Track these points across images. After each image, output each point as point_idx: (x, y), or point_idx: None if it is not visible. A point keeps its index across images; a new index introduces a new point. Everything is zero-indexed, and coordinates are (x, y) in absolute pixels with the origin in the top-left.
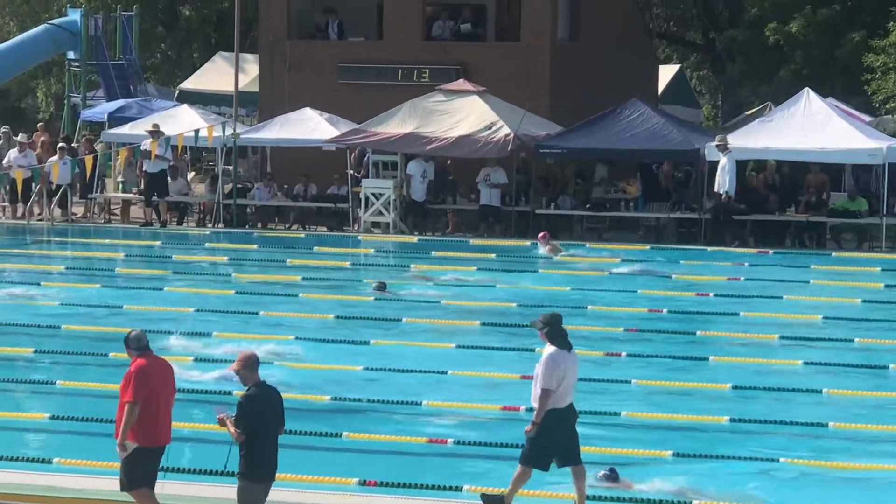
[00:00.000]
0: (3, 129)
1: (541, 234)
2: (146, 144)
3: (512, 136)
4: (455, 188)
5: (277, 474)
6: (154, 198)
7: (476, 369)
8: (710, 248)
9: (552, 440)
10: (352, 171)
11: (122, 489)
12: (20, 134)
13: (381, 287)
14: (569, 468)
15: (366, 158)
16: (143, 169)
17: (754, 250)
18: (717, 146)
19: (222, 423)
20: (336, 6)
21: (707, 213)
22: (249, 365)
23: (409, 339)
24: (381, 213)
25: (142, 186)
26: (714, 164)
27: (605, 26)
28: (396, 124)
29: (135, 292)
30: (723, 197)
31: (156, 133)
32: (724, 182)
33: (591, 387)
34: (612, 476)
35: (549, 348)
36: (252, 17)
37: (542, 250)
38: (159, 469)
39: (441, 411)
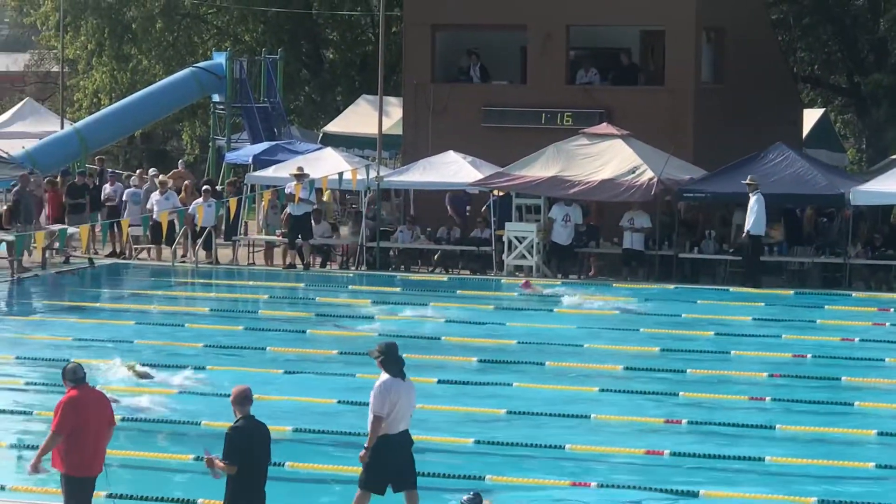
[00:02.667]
0: (150, 172)
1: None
2: (290, 187)
3: (655, 179)
4: (598, 232)
5: None
6: (298, 240)
7: (619, 413)
8: (854, 294)
9: (386, 465)
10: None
11: None
12: (160, 175)
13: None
14: (403, 493)
15: (488, 202)
16: (288, 212)
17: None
18: (747, 184)
19: (210, 463)
20: (479, 49)
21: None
22: (240, 400)
23: (552, 382)
24: (524, 257)
25: (285, 229)
26: (860, 209)
27: (749, 70)
28: (540, 168)
29: (278, 334)
30: (743, 236)
31: (301, 176)
32: (749, 222)
33: (736, 431)
34: (475, 501)
35: (383, 376)
36: (395, 61)
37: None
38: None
39: (584, 455)
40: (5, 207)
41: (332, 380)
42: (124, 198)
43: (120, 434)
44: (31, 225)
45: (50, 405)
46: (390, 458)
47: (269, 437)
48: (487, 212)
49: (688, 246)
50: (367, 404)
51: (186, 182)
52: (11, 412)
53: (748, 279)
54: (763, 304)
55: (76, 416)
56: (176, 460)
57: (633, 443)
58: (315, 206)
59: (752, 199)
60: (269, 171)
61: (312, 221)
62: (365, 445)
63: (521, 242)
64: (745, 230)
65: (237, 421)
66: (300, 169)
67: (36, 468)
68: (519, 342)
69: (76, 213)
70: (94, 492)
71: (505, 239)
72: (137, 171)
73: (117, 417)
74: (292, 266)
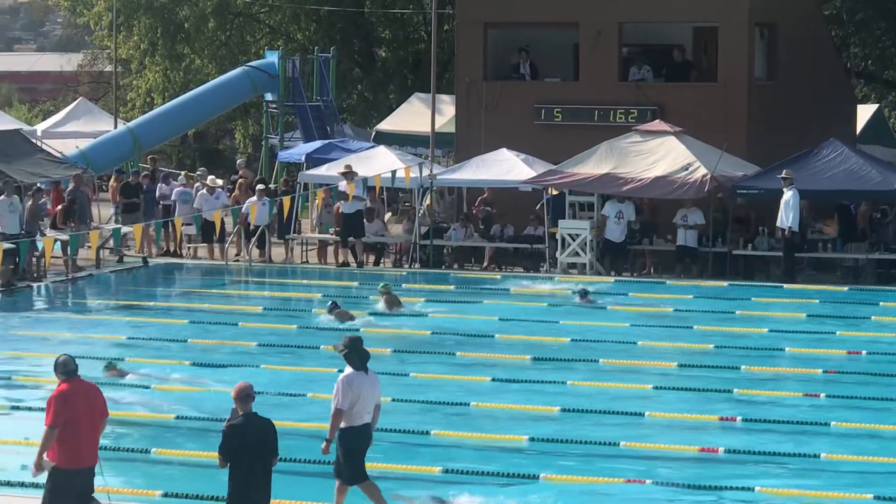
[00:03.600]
0: (198, 171)
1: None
2: (343, 186)
3: (709, 176)
4: (651, 229)
5: None
6: (350, 238)
7: (673, 410)
8: None
9: (359, 454)
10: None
11: None
12: (209, 176)
13: (334, 307)
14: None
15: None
16: (340, 210)
17: None
18: (782, 179)
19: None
20: (531, 47)
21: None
22: (242, 397)
23: (606, 379)
24: (577, 254)
25: (338, 227)
26: None
27: (802, 66)
28: (593, 165)
29: (332, 333)
30: (786, 232)
31: (349, 174)
32: (786, 217)
33: (791, 428)
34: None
35: (347, 370)
36: (448, 59)
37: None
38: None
39: (639, 452)
40: (59, 207)
41: (385, 378)
42: (173, 197)
43: (179, 432)
44: (85, 224)
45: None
46: (357, 449)
47: (271, 433)
48: (541, 209)
49: (741, 243)
50: (425, 402)
51: (240, 180)
52: None
53: (784, 274)
54: (817, 300)
55: (67, 409)
56: None
57: (688, 440)
58: (367, 205)
59: (788, 193)
60: (322, 170)
61: (365, 220)
62: (326, 438)
63: (574, 240)
64: (787, 226)
65: (236, 418)
66: (348, 167)
67: (39, 466)
68: (572, 339)
69: (130, 213)
70: (94, 484)
71: (558, 236)
72: (183, 172)
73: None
74: (345, 264)
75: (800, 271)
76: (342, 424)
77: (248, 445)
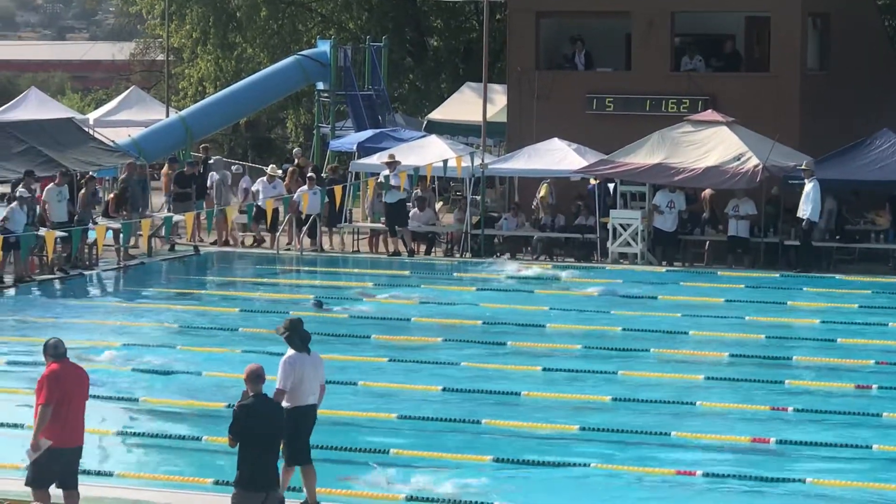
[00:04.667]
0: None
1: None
2: (392, 177)
3: (761, 166)
4: (703, 220)
5: None
6: (396, 228)
7: (725, 401)
8: None
9: (302, 435)
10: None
11: (27, 484)
12: (270, 165)
13: (318, 305)
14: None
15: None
16: (383, 200)
17: None
18: (802, 170)
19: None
20: (583, 36)
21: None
22: (253, 378)
23: (657, 369)
24: (628, 244)
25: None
26: None
27: (855, 56)
28: (645, 155)
29: (383, 322)
30: (804, 224)
31: (392, 164)
32: (805, 209)
33: (842, 419)
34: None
35: (289, 352)
36: (500, 48)
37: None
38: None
39: (690, 442)
40: (111, 195)
41: (436, 367)
42: (254, 188)
43: (229, 421)
44: (137, 213)
45: (157, 391)
46: (302, 430)
47: (280, 413)
48: (590, 198)
49: (793, 233)
50: (476, 391)
51: (291, 168)
52: (119, 398)
53: (800, 264)
54: (870, 291)
55: (59, 389)
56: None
57: (739, 430)
58: (416, 194)
59: (809, 185)
60: (374, 159)
61: (416, 209)
62: None
63: (625, 230)
64: (806, 217)
65: (247, 399)
66: (392, 156)
67: (36, 447)
68: (623, 329)
69: (182, 202)
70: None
71: (609, 226)
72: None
73: None
74: (396, 253)
75: (851, 262)
76: (287, 405)
77: (258, 426)
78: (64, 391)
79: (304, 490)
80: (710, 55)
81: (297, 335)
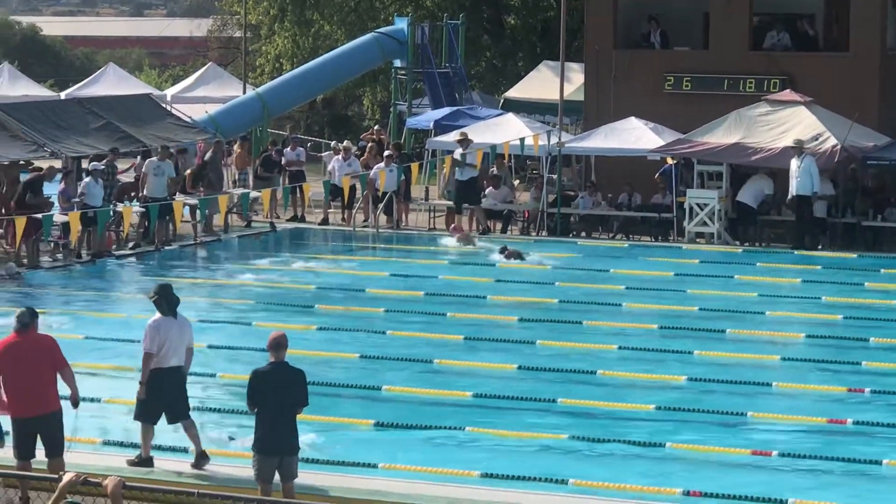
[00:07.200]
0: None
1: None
2: (458, 153)
3: (839, 147)
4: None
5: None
6: (465, 206)
7: (801, 381)
8: None
9: (158, 397)
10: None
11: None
12: (345, 141)
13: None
14: (179, 423)
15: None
16: (455, 177)
17: None
18: (792, 149)
19: None
20: (661, 15)
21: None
22: (274, 346)
23: (733, 349)
24: (705, 224)
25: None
26: None
27: None
28: (722, 134)
29: (455, 299)
30: (787, 200)
31: (464, 141)
32: (792, 186)
33: None
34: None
35: (155, 315)
36: (577, 27)
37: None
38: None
39: (766, 423)
40: (188, 172)
41: (512, 346)
42: (330, 167)
43: (313, 401)
44: (215, 190)
45: (231, 368)
46: (163, 391)
47: (298, 380)
48: (661, 178)
49: (871, 214)
50: (552, 370)
51: (370, 143)
52: (194, 374)
53: (795, 239)
54: None
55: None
56: (361, 424)
57: (815, 411)
58: (491, 172)
59: (796, 161)
60: (451, 137)
61: (492, 187)
62: (140, 381)
63: (702, 209)
64: (793, 194)
65: (264, 366)
66: (463, 134)
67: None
68: (700, 309)
69: (264, 182)
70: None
71: (686, 206)
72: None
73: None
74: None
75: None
76: (152, 367)
77: (270, 392)
78: (7, 363)
79: (191, 443)
80: (790, 34)
81: (165, 300)
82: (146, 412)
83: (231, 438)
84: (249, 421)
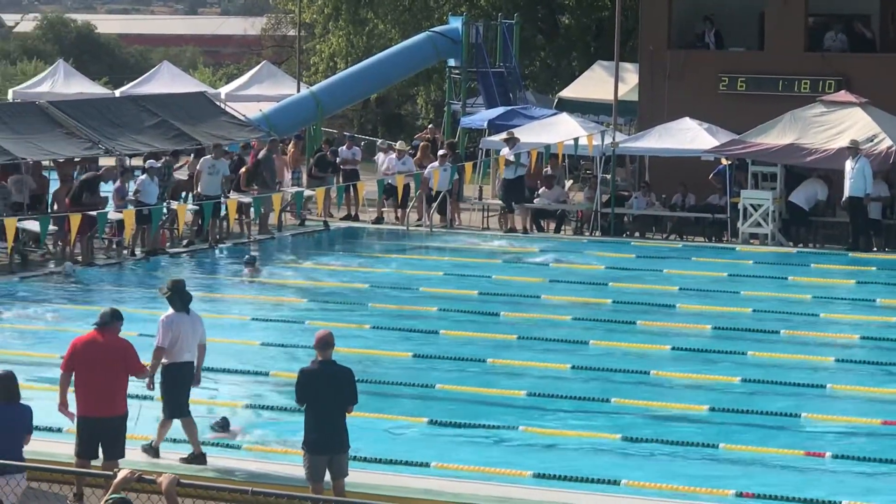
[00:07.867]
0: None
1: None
2: (505, 152)
3: (894, 148)
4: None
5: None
6: (513, 204)
7: (855, 383)
8: None
9: (180, 391)
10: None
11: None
12: (398, 141)
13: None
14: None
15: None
16: (503, 176)
17: None
18: (847, 150)
19: None
20: (716, 15)
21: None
22: (321, 345)
23: (787, 351)
24: (759, 224)
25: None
26: None
27: None
28: (776, 135)
29: (509, 299)
30: (842, 201)
31: (511, 140)
32: (846, 187)
33: None
34: (223, 424)
35: (169, 311)
36: (632, 27)
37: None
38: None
39: (820, 425)
40: (242, 170)
41: (565, 346)
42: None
43: (365, 400)
44: (269, 189)
45: (286, 366)
46: (182, 385)
47: (346, 379)
48: (715, 179)
49: None
50: (605, 370)
51: (423, 143)
52: (247, 373)
53: (850, 241)
54: None
55: (75, 358)
56: (415, 422)
57: (870, 413)
58: (546, 172)
59: (851, 162)
60: (504, 136)
61: (545, 186)
62: (149, 373)
63: (756, 210)
64: (847, 196)
65: (311, 364)
66: (510, 133)
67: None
68: (754, 310)
69: (318, 182)
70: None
71: (740, 206)
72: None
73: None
74: (513, 230)
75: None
76: (165, 361)
77: (318, 390)
78: (81, 361)
79: (189, 442)
80: (846, 35)
81: (178, 296)
82: (174, 407)
83: (223, 421)
84: (294, 417)
